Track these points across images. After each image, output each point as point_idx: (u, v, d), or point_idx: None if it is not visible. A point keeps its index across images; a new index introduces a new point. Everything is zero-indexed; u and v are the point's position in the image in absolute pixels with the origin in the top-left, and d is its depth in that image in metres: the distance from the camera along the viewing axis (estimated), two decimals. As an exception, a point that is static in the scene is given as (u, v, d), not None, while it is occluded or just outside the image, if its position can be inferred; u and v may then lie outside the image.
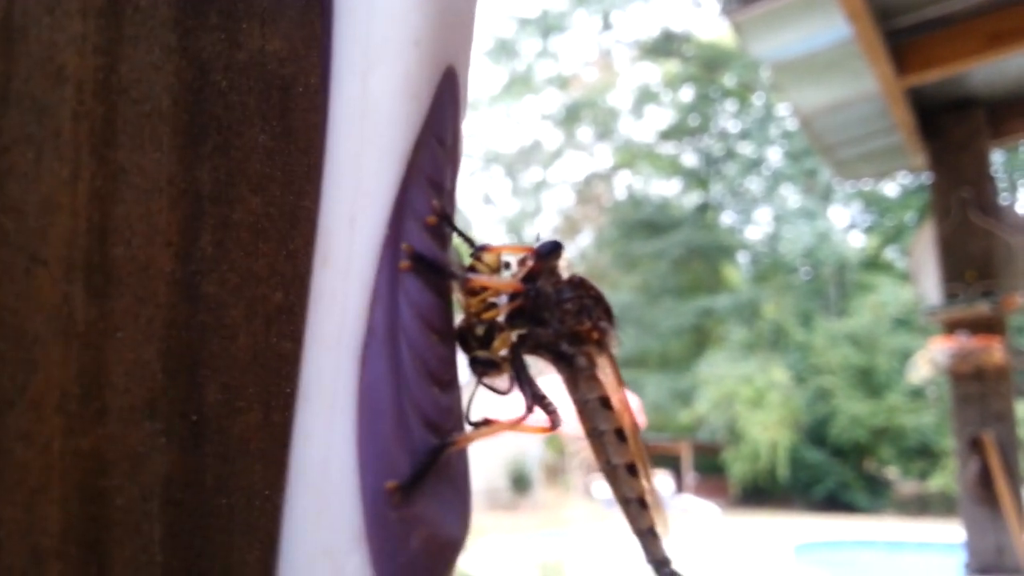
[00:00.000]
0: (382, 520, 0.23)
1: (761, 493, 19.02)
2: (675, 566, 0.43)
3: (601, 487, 16.80)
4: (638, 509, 0.41)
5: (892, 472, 19.26)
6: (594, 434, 0.40)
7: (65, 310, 0.21)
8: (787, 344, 20.23)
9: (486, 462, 15.49)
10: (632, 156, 24.60)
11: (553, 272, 0.37)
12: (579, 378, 0.38)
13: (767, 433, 18.31)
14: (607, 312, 0.39)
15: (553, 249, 0.37)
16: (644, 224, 23.45)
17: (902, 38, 3.39)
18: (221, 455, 0.25)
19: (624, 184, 25.78)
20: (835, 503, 18.10)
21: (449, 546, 0.26)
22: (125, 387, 0.22)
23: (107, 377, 0.22)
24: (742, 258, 24.01)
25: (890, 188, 20.73)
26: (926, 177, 4.25)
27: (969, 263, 3.83)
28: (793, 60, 3.43)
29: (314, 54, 0.28)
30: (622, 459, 0.40)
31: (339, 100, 0.26)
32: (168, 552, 0.23)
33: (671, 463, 18.76)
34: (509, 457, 15.99)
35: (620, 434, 0.40)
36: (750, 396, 18.76)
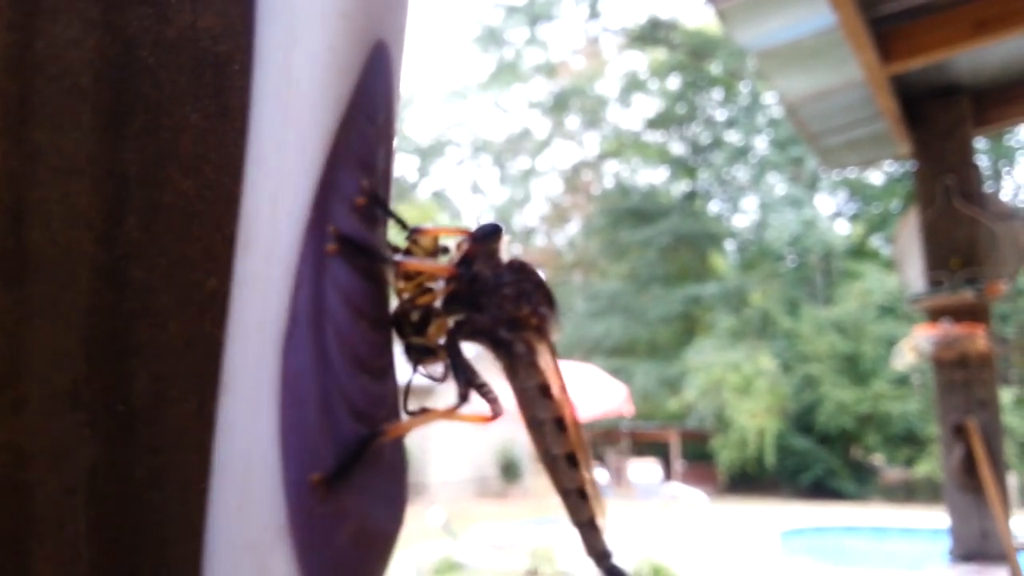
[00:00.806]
0: (306, 513, 0.22)
1: (749, 480, 19.12)
2: (615, 559, 0.42)
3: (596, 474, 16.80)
4: (578, 500, 0.40)
5: (878, 459, 19.39)
6: (533, 423, 0.39)
7: (-24, 297, 0.20)
8: (774, 332, 20.30)
9: (475, 450, 15.52)
10: (620, 144, 24.60)
11: (492, 255, 0.36)
12: (518, 365, 0.37)
13: (755, 420, 18.40)
14: (547, 297, 0.37)
15: (491, 232, 0.35)
16: (632, 212, 23.46)
17: (886, 25, 3.39)
18: (152, 446, 0.24)
19: (612, 172, 25.78)
20: (822, 490, 18.21)
21: (379, 539, 0.25)
22: (44, 376, 0.21)
23: (25, 366, 0.21)
24: (729, 246, 24.06)
25: (875, 176, 20.81)
26: (911, 165, 4.26)
27: (953, 250, 3.85)
28: (778, 48, 3.43)
29: (249, 32, 0.27)
30: (561, 449, 0.39)
31: (262, 76, 0.25)
32: (95, 548, 0.22)
33: (659, 450, 18.85)
34: (498, 445, 16.03)
35: (560, 423, 0.38)
36: (738, 383, 18.84)
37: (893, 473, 18.84)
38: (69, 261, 0.22)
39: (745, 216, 23.79)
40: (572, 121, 26.03)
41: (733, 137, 22.61)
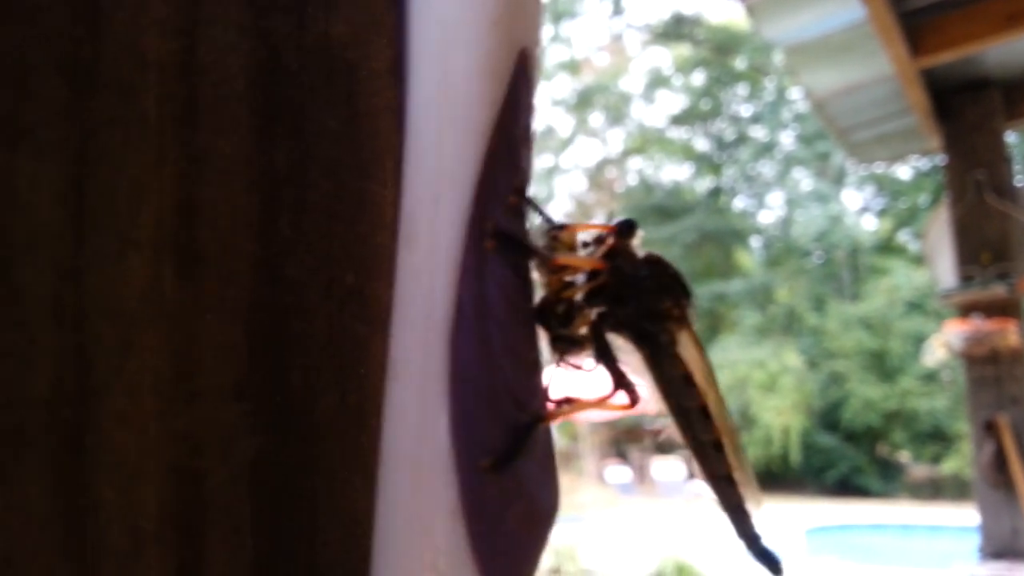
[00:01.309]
0: (478, 496, 0.23)
1: (774, 477, 19.02)
2: (765, 542, 0.43)
3: (615, 472, 16.84)
4: (727, 486, 0.41)
5: (905, 456, 19.23)
6: (679, 411, 0.40)
7: (157, 292, 0.21)
8: (800, 328, 20.17)
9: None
10: (644, 141, 24.52)
11: (630, 250, 0.37)
12: (662, 356, 0.38)
13: (780, 418, 18.29)
14: (685, 289, 0.39)
15: (631, 227, 0.37)
16: (656, 209, 23.39)
17: (916, 19, 3.36)
18: (304, 437, 0.25)
19: (636, 169, 25.70)
20: (848, 487, 18.09)
21: (543, 518, 0.26)
22: (215, 369, 0.22)
23: (198, 359, 0.22)
24: (755, 242, 23.92)
25: (903, 171, 20.61)
26: (939, 159, 4.23)
27: (984, 245, 3.82)
28: (806, 42, 3.41)
29: (377, 39, 0.28)
30: (708, 436, 0.40)
31: (418, 83, 0.26)
32: (257, 534, 0.23)
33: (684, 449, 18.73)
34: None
35: (705, 411, 0.39)
36: (763, 381, 18.74)
37: (920, 470, 18.67)
38: (233, 257, 0.23)
39: (771, 212, 23.65)
40: (596, 118, 25.99)
41: (758, 133, 22.48)
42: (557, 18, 24.49)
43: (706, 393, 0.39)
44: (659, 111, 27.25)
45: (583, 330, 0.35)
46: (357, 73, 0.28)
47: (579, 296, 0.35)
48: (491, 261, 0.25)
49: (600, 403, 0.32)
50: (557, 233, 0.35)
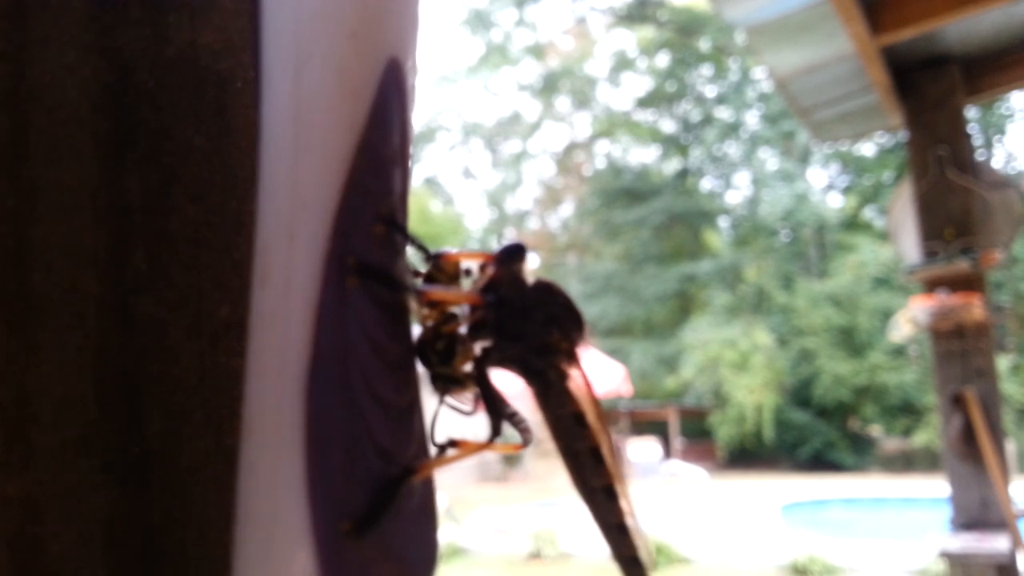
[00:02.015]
0: (337, 562, 0.21)
1: (748, 455, 19.23)
2: None
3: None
4: (618, 535, 0.39)
5: (876, 430, 19.51)
6: (568, 453, 0.37)
7: (-20, 345, 0.19)
8: (769, 307, 20.37)
9: (475, 436, 15.54)
10: (611, 124, 24.57)
11: (517, 278, 0.34)
12: (550, 393, 0.36)
13: (752, 396, 18.48)
14: (576, 320, 0.36)
15: (515, 253, 0.34)
16: (625, 192, 23.45)
17: (876, -3, 3.37)
18: (169, 488, 0.23)
19: (603, 153, 25.76)
20: (821, 462, 18.32)
21: None
22: (54, 424, 0.20)
23: (33, 415, 0.20)
24: (723, 223, 24.08)
25: (867, 148, 20.83)
26: (902, 136, 4.26)
27: (947, 221, 3.85)
28: (767, 22, 3.41)
29: (251, 46, 0.26)
30: (599, 481, 0.37)
31: (271, 101, 0.24)
32: (113, 600, 0.21)
33: (658, 429, 18.94)
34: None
35: (596, 453, 0.37)
36: (734, 360, 18.91)
37: (891, 444, 18.96)
38: (74, 301, 0.21)
39: (738, 192, 23.81)
40: (562, 102, 26.00)
41: (724, 113, 22.59)
42: (521, 2, 24.42)
43: (598, 434, 0.37)
44: (625, 94, 27.31)
45: (467, 367, 0.33)
46: (229, 84, 0.25)
47: (462, 330, 0.33)
48: (354, 299, 0.23)
49: (486, 446, 0.30)
50: (438, 262, 0.32)
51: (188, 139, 0.24)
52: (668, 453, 17.77)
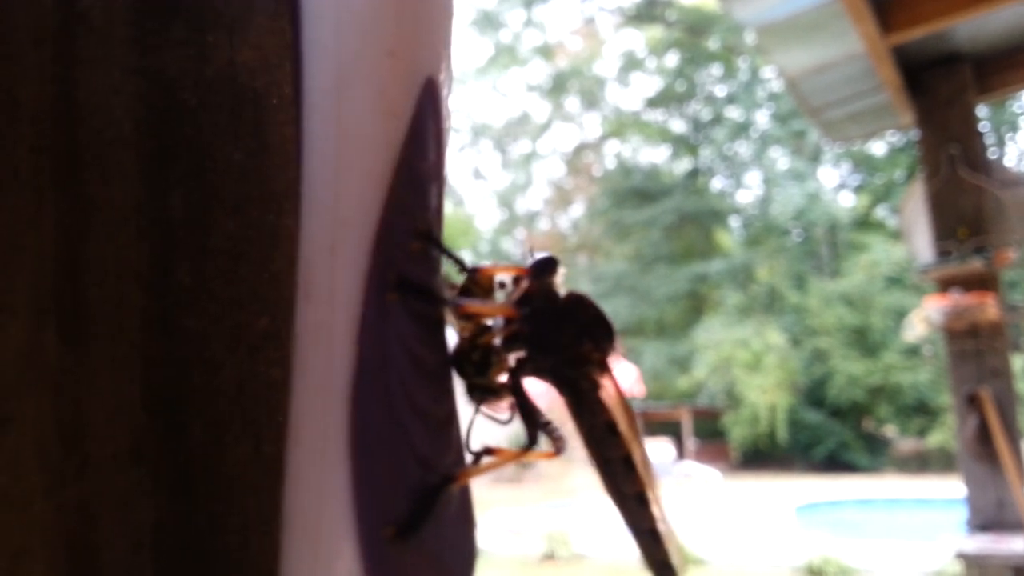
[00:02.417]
0: (381, 567, 0.22)
1: (761, 456, 19.17)
2: None
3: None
4: (650, 540, 0.39)
5: (890, 430, 19.42)
6: (601, 462, 0.38)
7: (38, 359, 0.20)
8: (782, 307, 20.31)
9: (488, 437, 15.58)
10: (620, 125, 24.54)
11: (549, 290, 0.35)
12: (583, 402, 0.36)
13: (765, 396, 18.42)
14: (607, 331, 0.37)
15: (547, 266, 0.35)
16: (635, 192, 23.42)
17: (886, -4, 3.37)
18: (211, 493, 0.23)
19: (613, 153, 25.73)
20: (835, 463, 18.25)
21: None
22: (107, 434, 0.21)
23: (88, 426, 0.20)
24: (734, 222, 24.02)
25: (878, 147, 20.75)
26: (914, 135, 4.24)
27: (960, 220, 3.84)
28: (777, 22, 3.40)
29: (287, 63, 0.26)
30: (632, 488, 0.38)
31: (312, 119, 0.24)
32: (161, 602, 0.22)
33: (671, 429, 18.89)
34: (511, 431, 16.05)
35: (628, 462, 0.38)
36: (747, 360, 18.85)
37: (906, 444, 18.86)
38: (122, 315, 0.21)
39: (749, 192, 23.76)
40: (572, 103, 25.98)
41: (734, 113, 22.54)
42: (530, 3, 24.42)
43: (630, 442, 0.38)
44: (634, 94, 27.28)
45: (502, 377, 0.34)
46: (265, 101, 0.26)
47: (496, 342, 0.33)
48: (394, 313, 0.24)
49: (523, 454, 0.31)
50: (473, 276, 0.33)
51: (227, 155, 0.25)
52: (681, 454, 17.74)
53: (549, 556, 8.75)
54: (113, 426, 0.21)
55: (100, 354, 0.21)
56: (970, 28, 3.68)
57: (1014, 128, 19.78)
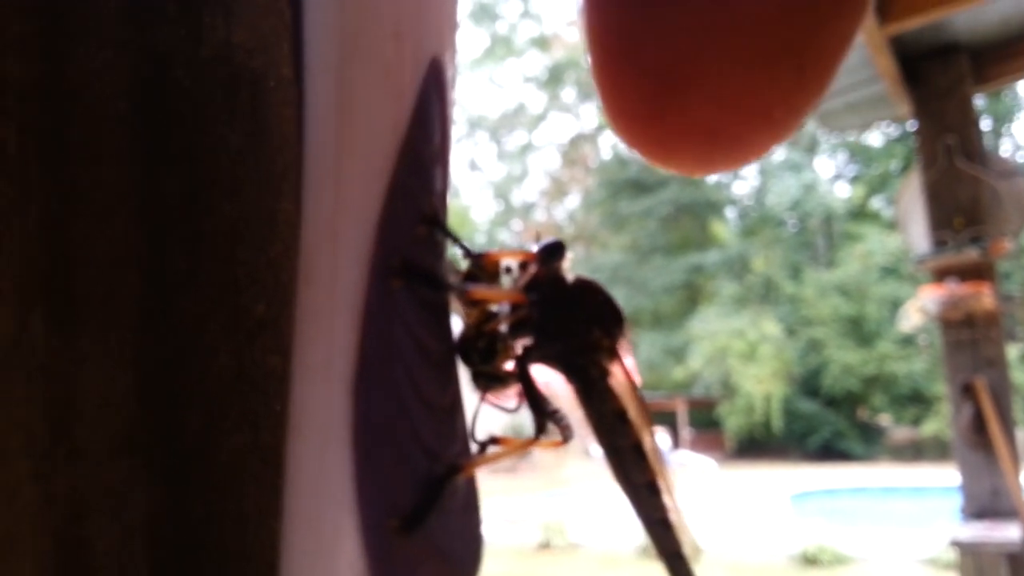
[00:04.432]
0: (387, 558, 0.21)
1: (757, 445, 19.25)
2: None
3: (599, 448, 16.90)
4: (662, 530, 0.39)
5: (885, 419, 19.52)
6: (612, 450, 0.37)
7: (26, 344, 0.19)
8: (777, 297, 20.37)
9: (484, 427, 15.67)
10: (616, 115, 24.50)
11: (557, 276, 0.34)
12: (592, 390, 0.36)
13: (761, 386, 18.49)
14: (617, 316, 0.36)
15: (555, 251, 0.34)
16: (631, 183, 23.43)
17: (884, -15, 3.36)
18: (208, 483, 0.23)
19: (609, 144, 25.73)
20: (830, 452, 18.34)
21: None
22: (99, 422, 0.20)
23: (78, 412, 0.20)
24: (730, 213, 24.07)
25: (874, 138, 20.78)
26: (910, 125, 4.24)
27: (956, 210, 3.85)
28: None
29: (285, 44, 0.26)
30: (642, 477, 0.38)
31: (313, 101, 0.24)
32: (157, 596, 0.21)
33: (666, 420, 18.96)
34: (507, 421, 16.14)
35: (639, 450, 0.37)
36: (743, 350, 18.92)
37: (900, 433, 18.97)
38: (114, 298, 0.21)
39: (745, 182, 23.81)
40: (568, 94, 25.98)
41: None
42: (525, -6, 24.36)
43: (640, 430, 0.37)
44: (631, 84, 27.23)
45: (508, 365, 0.33)
46: (263, 82, 0.25)
47: (503, 328, 0.33)
48: (399, 299, 0.23)
49: (530, 443, 0.30)
50: (478, 261, 0.32)
51: (224, 137, 0.24)
52: (677, 444, 17.80)
53: (545, 545, 8.78)
54: (105, 413, 0.20)
55: (91, 339, 0.20)
56: (968, 18, 3.68)
57: (1010, 119, 19.81)
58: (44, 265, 0.19)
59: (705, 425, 19.77)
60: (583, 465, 16.15)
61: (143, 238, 0.21)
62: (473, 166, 28.22)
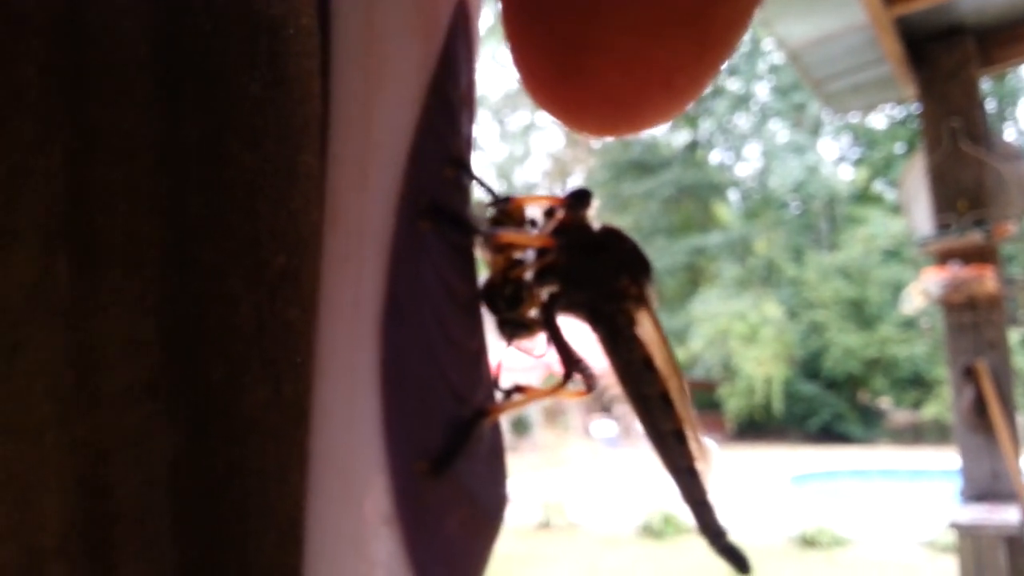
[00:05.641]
0: (414, 502, 0.21)
1: (757, 427, 19.30)
2: (730, 538, 0.41)
3: (601, 426, 16.98)
4: (689, 478, 0.38)
5: (885, 402, 19.56)
6: (638, 398, 0.37)
7: (49, 287, 0.19)
8: (779, 279, 20.37)
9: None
10: (619, 96, 24.43)
11: (583, 223, 0.34)
12: (619, 338, 0.35)
13: (762, 368, 18.52)
14: (644, 264, 0.35)
15: (583, 197, 0.33)
16: (634, 164, 23.39)
17: (890, -34, 3.34)
18: (230, 435, 0.23)
19: (612, 125, 25.64)
20: (830, 434, 18.39)
21: (488, 523, 0.24)
22: (121, 367, 0.20)
23: (100, 357, 0.20)
24: (732, 195, 24.02)
25: (878, 120, 20.70)
26: (914, 108, 4.23)
27: (960, 193, 3.83)
28: (779, -7, 3.38)
29: (315, -9, 0.25)
30: (669, 425, 0.37)
31: (341, 41, 0.23)
32: (179, 544, 0.21)
33: (667, 402, 18.98)
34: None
35: (666, 398, 0.36)
36: (744, 332, 18.93)
37: (901, 416, 19.01)
38: (138, 245, 0.21)
39: (748, 164, 23.74)
40: (571, 74, 25.85)
41: (734, 85, 22.44)
42: (529, -27, 24.25)
43: (667, 379, 0.36)
44: (634, 65, 27.14)
45: (533, 312, 0.33)
46: (282, 32, 0.25)
47: (528, 275, 0.32)
48: (426, 242, 0.23)
49: (555, 391, 0.30)
50: (503, 207, 0.32)
51: (243, 86, 0.24)
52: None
53: (545, 525, 8.82)
54: (127, 359, 0.20)
55: (113, 284, 0.20)
56: (974, 0, 3.65)
57: (1015, 102, 19.72)
58: (67, 208, 0.19)
59: (706, 407, 19.82)
60: (584, 445, 16.20)
61: (164, 184, 0.21)
62: (475, 146, 28.13)
